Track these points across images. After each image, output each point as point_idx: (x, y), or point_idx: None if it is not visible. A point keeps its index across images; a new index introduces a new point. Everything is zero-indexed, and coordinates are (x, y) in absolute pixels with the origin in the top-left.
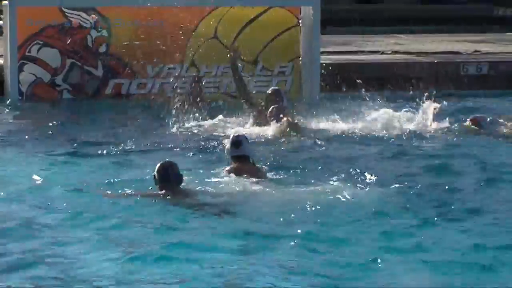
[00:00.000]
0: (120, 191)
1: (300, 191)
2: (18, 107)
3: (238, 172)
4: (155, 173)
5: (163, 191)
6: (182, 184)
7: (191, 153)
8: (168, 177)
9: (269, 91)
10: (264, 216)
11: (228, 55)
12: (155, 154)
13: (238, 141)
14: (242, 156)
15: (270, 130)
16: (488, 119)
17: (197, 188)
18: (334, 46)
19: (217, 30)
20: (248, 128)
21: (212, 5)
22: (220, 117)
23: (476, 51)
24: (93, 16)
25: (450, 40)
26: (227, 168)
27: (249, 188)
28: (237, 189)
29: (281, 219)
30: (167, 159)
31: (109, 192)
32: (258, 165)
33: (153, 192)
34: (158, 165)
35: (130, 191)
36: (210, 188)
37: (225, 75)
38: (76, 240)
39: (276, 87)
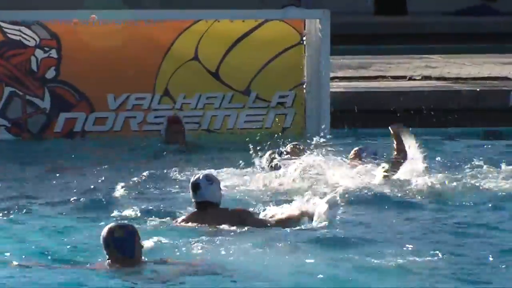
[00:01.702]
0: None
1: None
2: None
3: (196, 220)
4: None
5: (109, 261)
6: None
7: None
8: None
9: (288, 147)
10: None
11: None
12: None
13: (195, 184)
14: (203, 202)
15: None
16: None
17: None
18: (347, 70)
19: (198, 50)
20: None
21: (191, 18)
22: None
23: None
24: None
25: (495, 62)
26: (183, 217)
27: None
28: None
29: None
30: (119, 222)
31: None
32: (233, 209)
33: (102, 263)
34: (105, 229)
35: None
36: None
37: (207, 107)
38: None
39: (295, 143)
